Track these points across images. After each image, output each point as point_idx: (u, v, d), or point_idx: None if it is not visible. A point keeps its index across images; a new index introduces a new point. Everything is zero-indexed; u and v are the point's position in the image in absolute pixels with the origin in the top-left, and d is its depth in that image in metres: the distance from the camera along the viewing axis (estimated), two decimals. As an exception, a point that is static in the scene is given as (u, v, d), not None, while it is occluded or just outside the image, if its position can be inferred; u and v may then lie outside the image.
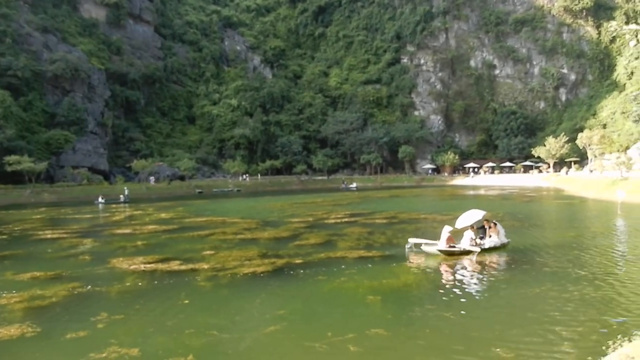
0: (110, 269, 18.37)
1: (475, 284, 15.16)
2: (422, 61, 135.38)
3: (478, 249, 19.60)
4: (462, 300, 13.28)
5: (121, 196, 65.75)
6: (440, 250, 19.50)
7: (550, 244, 22.04)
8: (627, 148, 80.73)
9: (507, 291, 14.05)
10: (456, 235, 20.51)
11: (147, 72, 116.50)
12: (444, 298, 13.50)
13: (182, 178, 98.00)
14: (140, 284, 15.81)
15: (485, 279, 15.76)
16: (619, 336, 7.67)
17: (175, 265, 18.33)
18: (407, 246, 20.61)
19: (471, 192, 71.52)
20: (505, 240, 21.22)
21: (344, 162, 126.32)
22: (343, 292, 14.25)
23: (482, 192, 72.21)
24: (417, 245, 20.38)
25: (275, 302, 13.45)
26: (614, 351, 7.35)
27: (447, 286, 14.91)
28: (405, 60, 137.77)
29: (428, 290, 14.56)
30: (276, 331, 11.02)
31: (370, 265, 17.66)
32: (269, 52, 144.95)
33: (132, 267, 18.40)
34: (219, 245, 23.23)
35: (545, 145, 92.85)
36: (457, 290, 14.27)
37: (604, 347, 7.73)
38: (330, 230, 28.16)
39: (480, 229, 21.60)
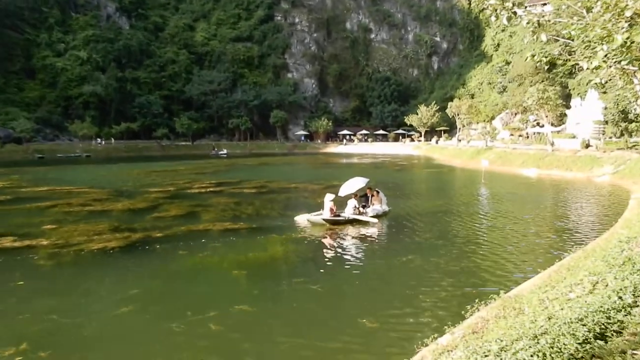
0: None
1: (347, 254, 15.73)
2: (296, 20, 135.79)
3: (375, 220, 20.31)
4: (332, 272, 13.74)
5: None
6: (325, 220, 19.97)
7: (420, 212, 23.57)
8: (493, 118, 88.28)
9: (377, 261, 14.79)
10: (341, 204, 21.12)
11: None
12: (314, 270, 13.86)
13: (18, 141, 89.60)
14: (-39, 265, 14.30)
15: (358, 249, 16.45)
16: (476, 301, 8.44)
17: (7, 242, 16.81)
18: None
19: (344, 161, 74.00)
20: (386, 208, 22.46)
21: (210, 126, 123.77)
22: (206, 267, 14.08)
23: (355, 160, 75.05)
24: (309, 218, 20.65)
25: (128, 281, 12.91)
26: (471, 315, 8.08)
27: (319, 258, 15.33)
28: (278, 18, 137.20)
29: (298, 262, 14.85)
30: (128, 313, 10.58)
31: (235, 239, 17.59)
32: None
33: (-49, 245, 16.57)
34: (63, 219, 21.71)
35: (417, 114, 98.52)
36: (328, 262, 14.73)
37: (463, 312, 8.44)
38: (194, 201, 27.65)
39: (363, 197, 22.55)
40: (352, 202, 20.90)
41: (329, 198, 20.31)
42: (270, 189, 34.11)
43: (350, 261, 14.86)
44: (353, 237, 18.12)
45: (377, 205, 22.02)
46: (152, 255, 15.45)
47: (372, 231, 19.07)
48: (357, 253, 15.91)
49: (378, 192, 22.66)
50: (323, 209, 20.48)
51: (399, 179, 42.39)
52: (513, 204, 26.51)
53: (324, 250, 16.27)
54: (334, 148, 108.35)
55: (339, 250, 16.35)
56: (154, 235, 18.00)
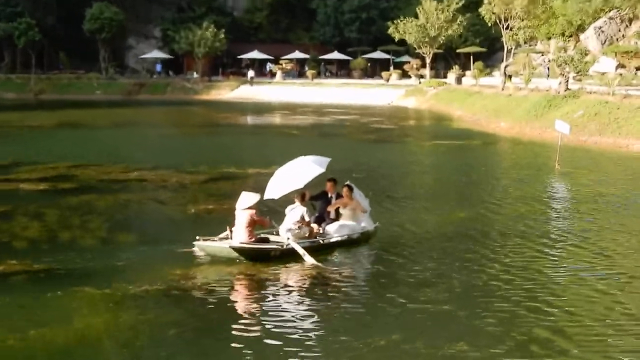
0: None
1: (266, 328, 15.33)
2: None
3: (318, 265, 19.68)
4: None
5: None
6: (236, 249, 19.68)
7: (426, 235, 23.80)
8: (580, 29, 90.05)
9: (331, 346, 14.49)
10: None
11: None
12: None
13: None
14: None
15: (292, 317, 16.08)
16: None
17: None
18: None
19: (250, 120, 74.39)
20: (370, 225, 22.39)
21: None
22: None
23: (276, 119, 75.40)
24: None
25: None
26: None
27: (198, 339, 14.93)
28: None
29: (145, 350, 14.43)
30: None
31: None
32: None
33: None
34: None
35: (417, 19, 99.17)
36: (217, 349, 14.36)
37: None
38: None
39: (320, 199, 22.60)
40: (297, 212, 20.86)
41: (246, 201, 20.08)
42: (81, 184, 34.08)
43: (271, 345, 14.51)
44: (289, 289, 18.09)
45: (348, 219, 21.92)
46: None
47: (338, 273, 19.19)
48: (290, 326, 15.52)
49: (351, 190, 22.33)
50: (233, 227, 20.23)
51: (377, 162, 42.82)
52: (620, 216, 27.08)
53: (215, 321, 15.93)
54: (229, 92, 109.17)
55: (250, 319, 16.05)
56: None
